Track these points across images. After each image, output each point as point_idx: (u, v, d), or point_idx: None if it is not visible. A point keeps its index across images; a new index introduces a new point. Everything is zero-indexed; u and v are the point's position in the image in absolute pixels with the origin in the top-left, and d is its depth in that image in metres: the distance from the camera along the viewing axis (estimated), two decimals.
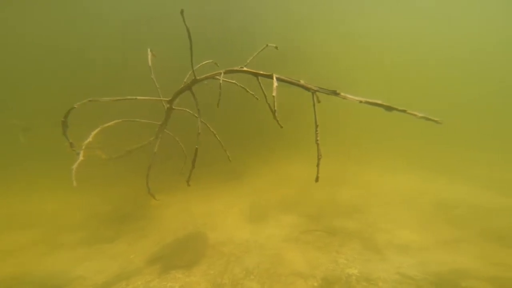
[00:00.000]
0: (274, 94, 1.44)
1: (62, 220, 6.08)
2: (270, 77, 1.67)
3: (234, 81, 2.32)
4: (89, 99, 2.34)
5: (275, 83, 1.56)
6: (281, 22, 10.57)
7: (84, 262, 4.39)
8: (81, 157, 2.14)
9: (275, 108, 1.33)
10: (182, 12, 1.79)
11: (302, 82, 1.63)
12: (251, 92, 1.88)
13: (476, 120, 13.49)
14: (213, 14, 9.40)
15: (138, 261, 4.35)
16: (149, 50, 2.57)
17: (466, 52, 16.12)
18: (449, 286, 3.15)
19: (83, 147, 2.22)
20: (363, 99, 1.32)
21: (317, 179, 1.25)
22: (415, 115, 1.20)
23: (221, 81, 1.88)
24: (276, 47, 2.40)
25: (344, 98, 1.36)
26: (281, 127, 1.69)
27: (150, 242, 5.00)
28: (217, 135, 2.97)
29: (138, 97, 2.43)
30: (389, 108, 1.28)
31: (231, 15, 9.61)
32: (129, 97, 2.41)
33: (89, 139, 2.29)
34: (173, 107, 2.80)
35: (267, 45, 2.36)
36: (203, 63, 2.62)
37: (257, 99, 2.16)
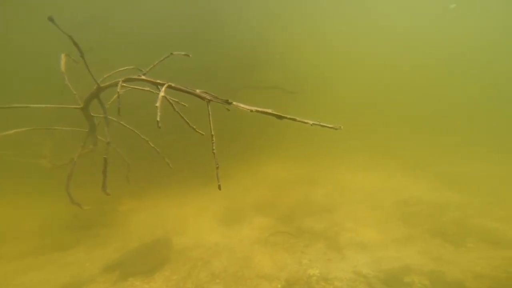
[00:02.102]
0: (157, 104, 1.46)
1: (12, 229, 5.60)
2: (164, 85, 1.67)
3: (147, 89, 2.23)
4: None
5: (162, 93, 1.58)
6: (255, 22, 10.58)
7: (27, 273, 4.03)
8: None
9: (158, 119, 1.34)
10: (51, 19, 1.74)
11: (197, 91, 1.66)
12: (171, 100, 1.80)
13: (444, 118, 14.29)
14: (180, 16, 9.22)
15: (93, 269, 4.14)
16: (62, 55, 2.39)
17: (439, 51, 16.86)
18: (395, 282, 3.40)
19: None
20: (253, 108, 1.37)
21: (219, 187, 1.29)
22: (306, 122, 1.28)
23: (118, 90, 1.84)
24: (187, 55, 2.21)
25: (237, 107, 1.42)
26: (202, 134, 1.72)
27: (112, 249, 4.80)
28: (150, 142, 2.89)
29: (32, 105, 2.21)
30: (279, 117, 1.35)
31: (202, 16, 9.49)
32: (16, 104, 2.13)
33: None
34: (92, 114, 2.68)
35: (171, 54, 2.22)
36: (121, 69, 2.47)
37: (185, 105, 2.08)
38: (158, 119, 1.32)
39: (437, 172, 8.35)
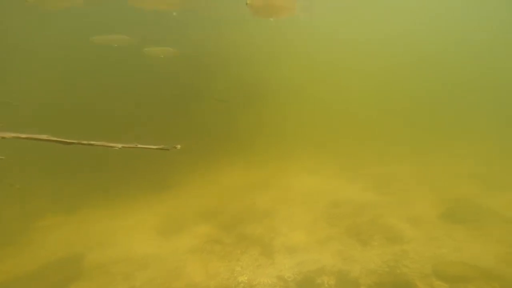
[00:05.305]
0: None
1: None
2: None
3: None
4: None
5: None
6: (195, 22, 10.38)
7: None
8: None
9: None
10: None
11: None
12: None
13: (385, 122, 15.52)
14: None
15: None
16: None
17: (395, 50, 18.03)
18: (308, 284, 3.59)
19: None
20: (22, 135, 1.13)
21: None
22: (113, 147, 1.15)
23: None
24: None
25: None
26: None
27: None
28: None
29: None
30: (65, 143, 1.18)
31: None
32: None
33: None
34: None
35: None
36: None
37: None
38: None
39: (372, 173, 9.00)
